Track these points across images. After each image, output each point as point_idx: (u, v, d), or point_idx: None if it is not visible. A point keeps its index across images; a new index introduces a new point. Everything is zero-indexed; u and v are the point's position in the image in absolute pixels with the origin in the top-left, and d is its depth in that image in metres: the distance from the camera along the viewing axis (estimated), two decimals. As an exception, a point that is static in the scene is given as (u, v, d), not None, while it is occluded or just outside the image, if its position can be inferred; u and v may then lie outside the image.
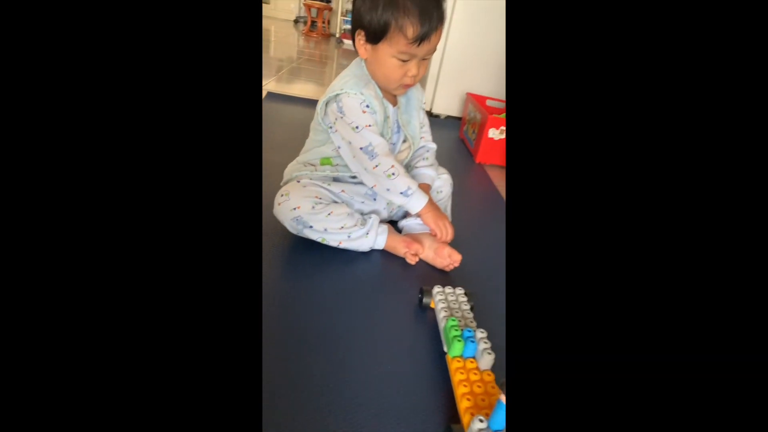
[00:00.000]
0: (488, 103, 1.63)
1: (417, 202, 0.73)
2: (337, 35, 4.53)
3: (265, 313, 0.57)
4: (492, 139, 1.36)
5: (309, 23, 4.47)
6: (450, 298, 0.61)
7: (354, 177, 0.77)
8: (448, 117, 1.90)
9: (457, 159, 1.40)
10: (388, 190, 0.72)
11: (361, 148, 0.71)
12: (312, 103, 1.69)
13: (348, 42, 4.02)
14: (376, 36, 0.67)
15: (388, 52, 0.67)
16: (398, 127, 0.79)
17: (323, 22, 4.52)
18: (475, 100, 1.55)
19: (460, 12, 1.68)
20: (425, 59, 0.70)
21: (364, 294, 0.66)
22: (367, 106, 0.71)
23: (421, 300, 0.64)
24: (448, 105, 1.87)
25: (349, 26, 4.40)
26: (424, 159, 0.83)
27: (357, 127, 0.71)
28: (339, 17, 4.57)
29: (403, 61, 0.68)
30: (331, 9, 4.57)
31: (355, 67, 0.74)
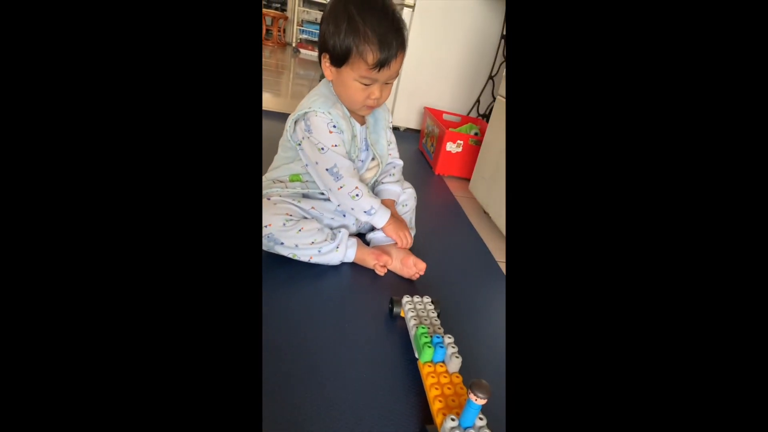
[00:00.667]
0: (445, 117, 1.71)
1: (380, 219, 0.78)
2: (294, 45, 4.51)
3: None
4: (450, 152, 1.43)
5: (264, 31, 4.42)
6: (418, 306, 0.65)
7: (323, 193, 0.80)
8: (408, 129, 1.97)
9: (418, 170, 1.46)
10: (352, 209, 0.77)
11: (327, 169, 0.74)
12: (268, 114, 1.68)
13: (305, 52, 4.01)
14: (339, 60, 0.70)
15: (351, 75, 0.71)
16: (366, 145, 0.83)
17: (279, 31, 4.49)
18: (432, 114, 1.62)
19: (417, 27, 1.75)
20: (387, 83, 0.74)
21: (336, 306, 0.68)
22: (334, 126, 0.74)
23: (391, 310, 0.68)
24: (407, 118, 1.94)
25: (305, 36, 4.41)
26: (390, 175, 0.88)
27: (323, 149, 0.74)
28: (295, 26, 4.55)
29: (366, 84, 0.72)
30: (286, 18, 4.54)
31: (324, 87, 0.77)
